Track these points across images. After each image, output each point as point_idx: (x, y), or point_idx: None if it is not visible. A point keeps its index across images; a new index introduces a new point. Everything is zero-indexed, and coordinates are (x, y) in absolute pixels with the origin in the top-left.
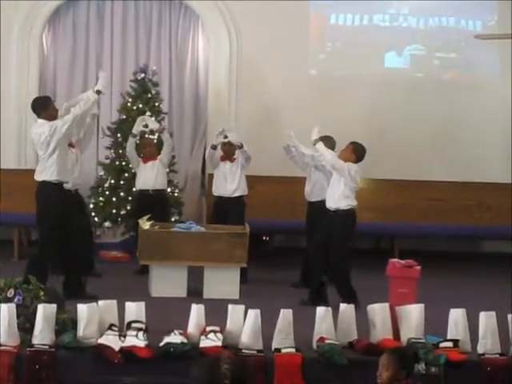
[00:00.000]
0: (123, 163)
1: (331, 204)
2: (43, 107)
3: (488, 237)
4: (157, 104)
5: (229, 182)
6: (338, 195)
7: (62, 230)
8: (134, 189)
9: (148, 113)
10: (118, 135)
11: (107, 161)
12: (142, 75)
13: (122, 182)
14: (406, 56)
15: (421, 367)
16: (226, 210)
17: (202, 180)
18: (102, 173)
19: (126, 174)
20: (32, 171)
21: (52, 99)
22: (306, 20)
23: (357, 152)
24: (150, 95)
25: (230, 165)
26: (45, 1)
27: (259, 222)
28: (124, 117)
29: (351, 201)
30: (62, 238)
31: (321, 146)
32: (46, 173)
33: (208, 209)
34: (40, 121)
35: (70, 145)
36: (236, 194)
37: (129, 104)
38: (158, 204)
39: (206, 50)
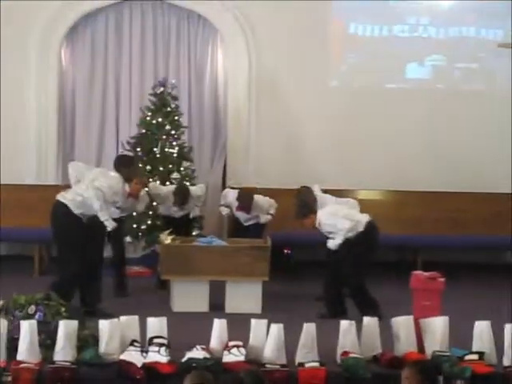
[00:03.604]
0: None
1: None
2: (123, 165)
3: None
4: (176, 118)
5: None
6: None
7: (77, 248)
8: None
9: (168, 127)
10: (138, 149)
11: None
12: (161, 89)
13: None
14: (427, 66)
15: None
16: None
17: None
18: None
19: (146, 189)
20: (52, 187)
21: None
22: (326, 32)
23: (306, 213)
24: (169, 109)
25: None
26: (63, 15)
27: (281, 236)
28: (144, 131)
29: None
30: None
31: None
32: (71, 202)
33: (229, 222)
34: (113, 174)
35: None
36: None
37: (148, 118)
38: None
39: (224, 62)
